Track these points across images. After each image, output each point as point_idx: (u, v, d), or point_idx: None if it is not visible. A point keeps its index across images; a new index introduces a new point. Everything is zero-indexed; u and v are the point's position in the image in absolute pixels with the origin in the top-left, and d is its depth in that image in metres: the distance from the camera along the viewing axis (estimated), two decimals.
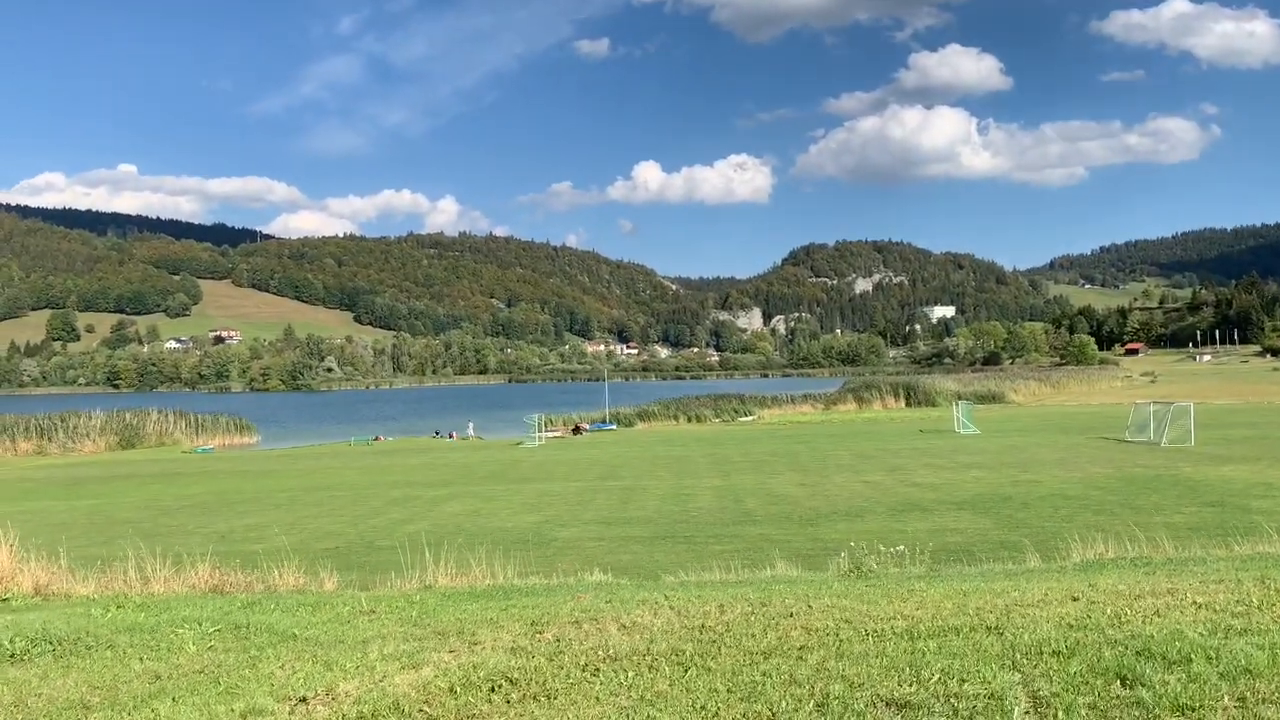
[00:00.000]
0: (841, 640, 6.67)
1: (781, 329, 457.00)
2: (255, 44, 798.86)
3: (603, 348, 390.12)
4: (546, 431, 75.53)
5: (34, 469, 54.78)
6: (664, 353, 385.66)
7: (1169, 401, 49.71)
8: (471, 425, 78.08)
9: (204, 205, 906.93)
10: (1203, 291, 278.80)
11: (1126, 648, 6.06)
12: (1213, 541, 15.38)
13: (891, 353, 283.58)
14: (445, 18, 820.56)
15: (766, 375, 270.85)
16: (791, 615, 7.72)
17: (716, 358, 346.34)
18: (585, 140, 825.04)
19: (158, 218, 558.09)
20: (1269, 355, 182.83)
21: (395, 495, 34.01)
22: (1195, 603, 7.61)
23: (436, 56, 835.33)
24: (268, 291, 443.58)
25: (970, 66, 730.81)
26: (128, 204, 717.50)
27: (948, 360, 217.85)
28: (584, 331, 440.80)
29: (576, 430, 75.08)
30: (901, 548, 12.77)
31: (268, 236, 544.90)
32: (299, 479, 42.34)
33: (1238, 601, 7.57)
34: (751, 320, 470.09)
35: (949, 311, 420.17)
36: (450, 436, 74.52)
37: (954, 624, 7.06)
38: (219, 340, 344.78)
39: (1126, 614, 7.26)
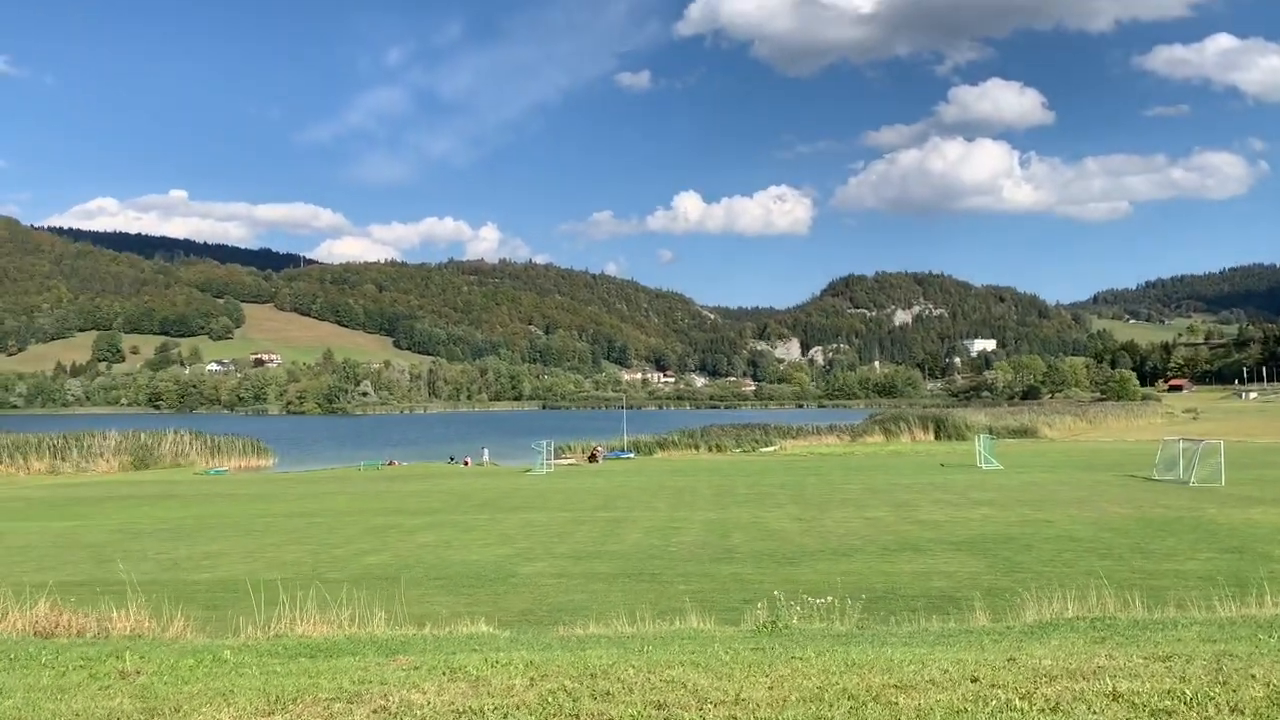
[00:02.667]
0: None
1: (819, 359, 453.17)
2: (304, 74, 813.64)
3: (639, 376, 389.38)
4: (562, 459, 74.26)
5: (37, 488, 54.33)
6: (700, 381, 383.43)
7: (1199, 439, 47.30)
8: (486, 451, 76.85)
9: (251, 230, 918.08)
10: (1250, 328, 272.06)
11: None
12: (1206, 596, 13.60)
13: (929, 385, 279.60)
14: (490, 50, 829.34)
15: (801, 406, 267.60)
16: (609, 695, 6.25)
17: (752, 387, 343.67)
18: (626, 170, 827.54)
19: (205, 242, 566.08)
20: None
21: (376, 523, 32.76)
22: (1114, 691, 6.04)
23: (481, 88, 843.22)
24: (309, 316, 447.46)
25: (1011, 100, 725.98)
26: (177, 229, 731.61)
27: (985, 394, 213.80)
28: (621, 359, 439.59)
29: (592, 458, 73.60)
30: (830, 599, 11.20)
31: (311, 262, 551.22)
32: (289, 504, 41.27)
33: (1168, 692, 5.99)
34: (789, 350, 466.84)
35: (989, 345, 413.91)
36: (465, 463, 73.35)
37: (782, 718, 5.55)
38: (259, 363, 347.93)
39: (1017, 707, 5.71)
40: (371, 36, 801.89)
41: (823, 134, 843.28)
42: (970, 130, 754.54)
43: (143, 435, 75.67)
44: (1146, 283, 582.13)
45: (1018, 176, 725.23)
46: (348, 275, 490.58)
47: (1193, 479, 41.66)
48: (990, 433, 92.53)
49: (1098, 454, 66.45)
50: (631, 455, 77.12)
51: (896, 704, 5.85)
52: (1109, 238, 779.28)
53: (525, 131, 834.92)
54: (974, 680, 6.52)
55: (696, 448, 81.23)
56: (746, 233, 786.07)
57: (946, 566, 22.33)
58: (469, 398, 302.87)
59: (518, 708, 5.88)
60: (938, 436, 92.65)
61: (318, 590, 19.81)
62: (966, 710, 5.65)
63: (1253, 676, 6.33)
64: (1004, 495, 38.34)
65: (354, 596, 19.26)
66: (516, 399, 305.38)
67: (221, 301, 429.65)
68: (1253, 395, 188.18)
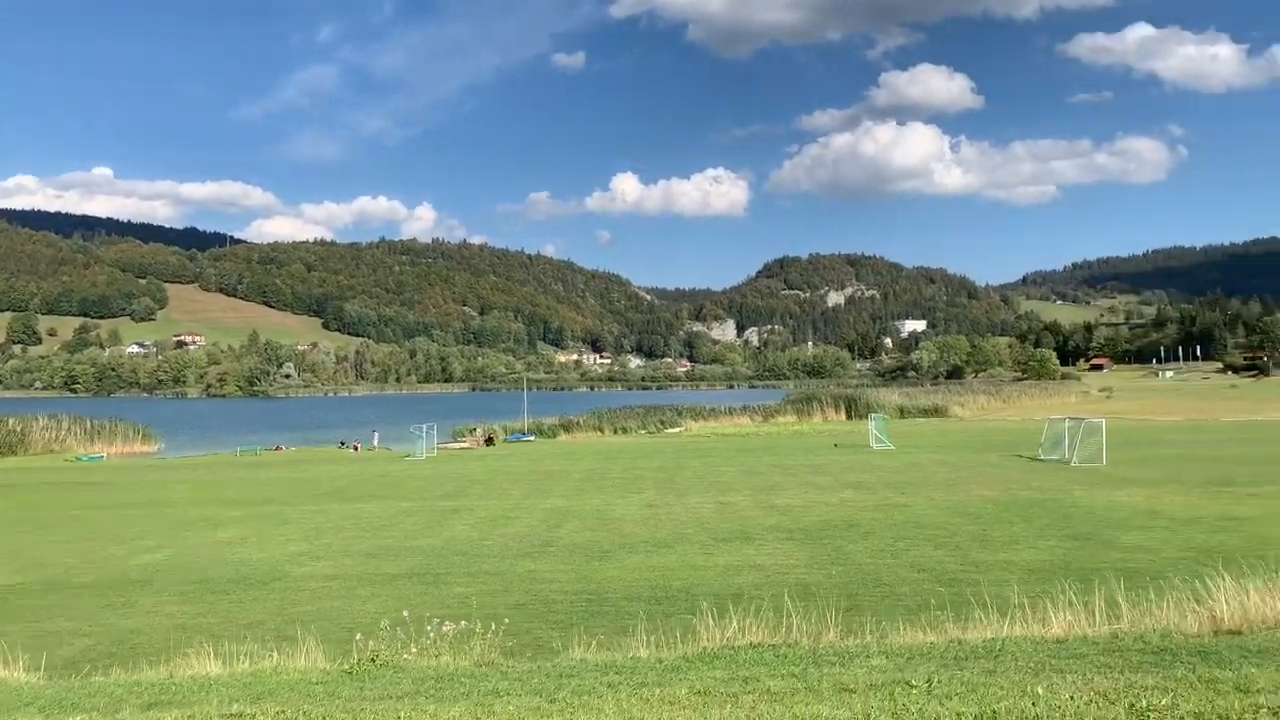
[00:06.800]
0: None
1: (754, 340, 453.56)
2: (234, 50, 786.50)
3: (574, 357, 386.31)
4: (456, 442, 71.73)
5: None
6: (635, 363, 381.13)
7: (1081, 417, 46.34)
8: (376, 435, 73.79)
9: (178, 210, 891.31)
10: (1168, 308, 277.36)
11: None
12: (1031, 591, 11.68)
13: (858, 365, 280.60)
14: (424, 29, 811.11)
15: (733, 386, 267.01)
16: None
17: (685, 368, 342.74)
18: (563, 152, 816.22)
19: (129, 221, 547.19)
20: (1230, 372, 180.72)
21: (192, 516, 30.10)
22: None
23: (415, 67, 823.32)
24: (235, 296, 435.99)
25: (941, 85, 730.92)
26: (101, 207, 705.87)
27: (911, 374, 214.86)
28: (557, 341, 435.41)
29: (489, 441, 71.08)
30: (464, 623, 9.04)
31: (239, 241, 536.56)
32: (120, 493, 38.32)
33: None
34: (725, 332, 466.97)
35: (920, 326, 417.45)
36: (354, 447, 70.34)
37: None
38: (181, 345, 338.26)
39: None
40: (303, 12, 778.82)
41: (757, 117, 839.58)
42: (902, 114, 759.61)
43: (10, 420, 71.25)
44: (1073, 264, 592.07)
45: (948, 160, 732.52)
46: (276, 255, 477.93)
47: (1075, 459, 40.65)
48: (901, 412, 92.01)
49: (997, 433, 65.64)
50: (532, 438, 74.79)
51: None
52: (1037, 220, 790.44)
53: (460, 111, 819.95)
54: None
55: (601, 430, 79.16)
56: (684, 214, 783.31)
57: (766, 559, 20.50)
58: (398, 380, 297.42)
59: None
60: (849, 416, 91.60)
61: (57, 597, 17.29)
62: None
63: None
64: (876, 477, 36.81)
65: (67, 609, 16.75)
66: (446, 380, 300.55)
67: (144, 282, 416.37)
68: (1169, 374, 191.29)
